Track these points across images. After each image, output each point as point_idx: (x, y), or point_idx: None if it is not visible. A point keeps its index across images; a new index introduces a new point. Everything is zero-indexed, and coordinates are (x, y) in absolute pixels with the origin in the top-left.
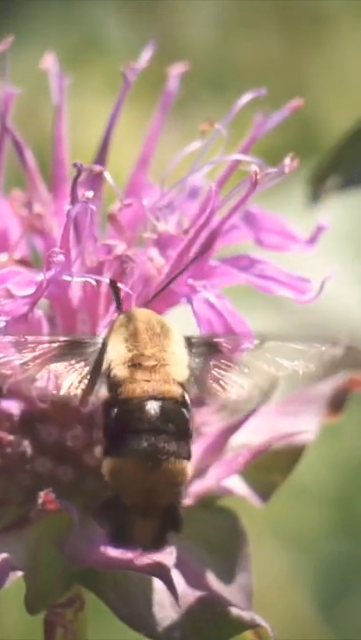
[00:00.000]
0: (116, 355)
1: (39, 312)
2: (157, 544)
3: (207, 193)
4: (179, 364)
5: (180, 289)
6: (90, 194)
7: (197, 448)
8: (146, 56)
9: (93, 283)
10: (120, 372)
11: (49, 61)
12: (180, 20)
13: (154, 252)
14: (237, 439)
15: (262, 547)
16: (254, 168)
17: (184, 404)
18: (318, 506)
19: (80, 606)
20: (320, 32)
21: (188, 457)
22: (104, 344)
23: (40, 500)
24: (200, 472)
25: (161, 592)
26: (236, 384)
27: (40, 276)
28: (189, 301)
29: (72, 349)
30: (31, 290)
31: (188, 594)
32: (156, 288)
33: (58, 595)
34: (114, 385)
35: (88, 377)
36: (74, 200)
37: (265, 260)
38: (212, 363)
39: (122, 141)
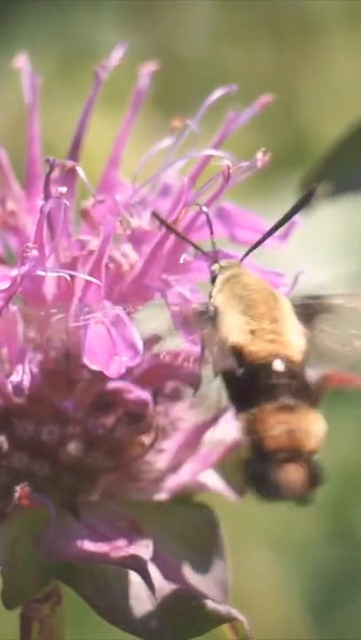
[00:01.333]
0: (236, 328)
1: (14, 307)
2: (309, 493)
3: (180, 188)
4: (295, 335)
5: (154, 283)
6: (63, 189)
7: (173, 443)
8: (118, 54)
9: (68, 278)
10: (243, 339)
11: (21, 61)
12: (172, 29)
13: (127, 247)
14: (213, 434)
15: (253, 552)
16: (226, 163)
17: (304, 368)
18: (310, 511)
19: (57, 601)
20: (311, 41)
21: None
22: (216, 313)
23: (16, 495)
24: (175, 467)
25: (138, 585)
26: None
27: (14, 272)
28: (163, 296)
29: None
30: (5, 285)
31: (164, 587)
32: (130, 283)
33: (35, 590)
34: (236, 352)
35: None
36: (47, 196)
37: (238, 254)
38: (318, 325)
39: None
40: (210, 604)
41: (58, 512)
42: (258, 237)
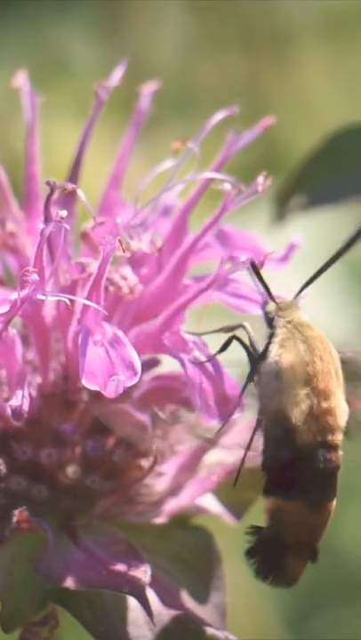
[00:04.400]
0: (296, 400)
1: (13, 331)
2: (299, 579)
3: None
4: (342, 408)
5: (172, 339)
6: (64, 213)
7: (171, 466)
8: (118, 74)
9: (67, 302)
10: (297, 420)
11: (21, 79)
12: (145, 42)
13: (127, 270)
14: (211, 457)
15: (231, 567)
16: (227, 186)
17: (341, 450)
18: None
19: (55, 624)
20: (284, 53)
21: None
22: (279, 372)
23: (14, 519)
24: (174, 490)
25: (135, 610)
26: None
27: (14, 295)
28: (181, 363)
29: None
30: (5, 308)
31: (162, 612)
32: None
33: (33, 613)
34: (286, 429)
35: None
36: (47, 219)
37: (238, 278)
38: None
39: (88, 162)
40: (208, 629)
41: (56, 535)
42: (257, 258)
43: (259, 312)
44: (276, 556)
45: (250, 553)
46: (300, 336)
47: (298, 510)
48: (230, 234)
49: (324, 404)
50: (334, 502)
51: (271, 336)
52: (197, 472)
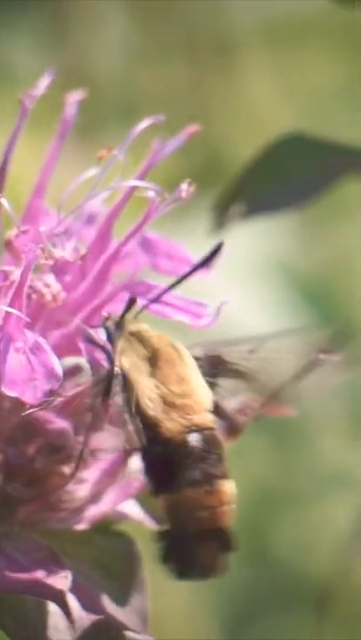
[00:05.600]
0: (145, 394)
1: None
2: (223, 568)
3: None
4: (202, 391)
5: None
6: None
7: (94, 472)
8: (44, 83)
9: None
10: (155, 412)
11: None
12: (87, 49)
13: (50, 278)
14: (134, 463)
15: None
16: (151, 194)
17: (215, 429)
18: None
19: None
20: (227, 62)
21: (229, 477)
22: (124, 377)
23: None
24: (95, 497)
25: (56, 616)
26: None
27: None
28: (91, 363)
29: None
30: None
31: (83, 617)
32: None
33: None
34: (150, 426)
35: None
36: None
37: (162, 285)
38: (222, 376)
39: (26, 169)
40: (129, 634)
41: None
42: (179, 266)
43: (182, 318)
44: (185, 550)
45: (164, 558)
46: (135, 337)
47: (191, 497)
48: (155, 241)
49: (178, 390)
50: (229, 483)
51: (114, 349)
52: (119, 478)
